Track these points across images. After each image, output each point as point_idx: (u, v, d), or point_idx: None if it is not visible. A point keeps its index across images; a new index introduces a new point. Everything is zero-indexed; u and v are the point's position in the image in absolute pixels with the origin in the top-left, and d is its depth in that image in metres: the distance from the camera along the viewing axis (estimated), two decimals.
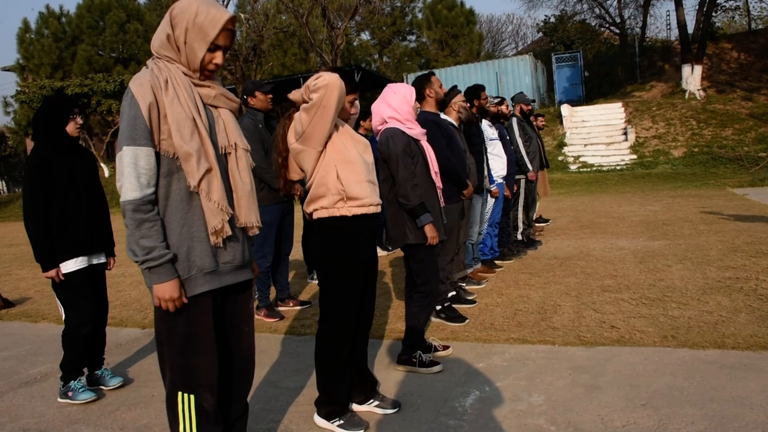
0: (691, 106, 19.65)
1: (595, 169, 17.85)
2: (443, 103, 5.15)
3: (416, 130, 3.71)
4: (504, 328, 4.35)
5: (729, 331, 3.89)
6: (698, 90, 20.41)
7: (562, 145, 19.49)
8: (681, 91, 20.80)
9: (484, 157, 5.83)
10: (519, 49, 41.42)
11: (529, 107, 7.78)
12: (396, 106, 3.71)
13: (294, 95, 2.90)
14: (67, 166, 3.58)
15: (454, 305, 4.88)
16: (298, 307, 5.43)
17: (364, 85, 27.41)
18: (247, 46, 24.29)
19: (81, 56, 30.77)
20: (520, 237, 7.54)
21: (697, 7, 21.85)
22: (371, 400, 3.16)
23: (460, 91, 5.37)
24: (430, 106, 4.69)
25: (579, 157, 18.69)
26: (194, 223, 2.19)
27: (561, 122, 20.46)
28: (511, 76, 23.55)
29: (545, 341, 4.00)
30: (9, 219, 24.77)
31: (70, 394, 3.65)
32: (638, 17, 29.21)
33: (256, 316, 5.17)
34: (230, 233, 2.24)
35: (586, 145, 19.30)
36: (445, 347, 3.94)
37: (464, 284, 5.57)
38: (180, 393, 2.25)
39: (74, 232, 3.58)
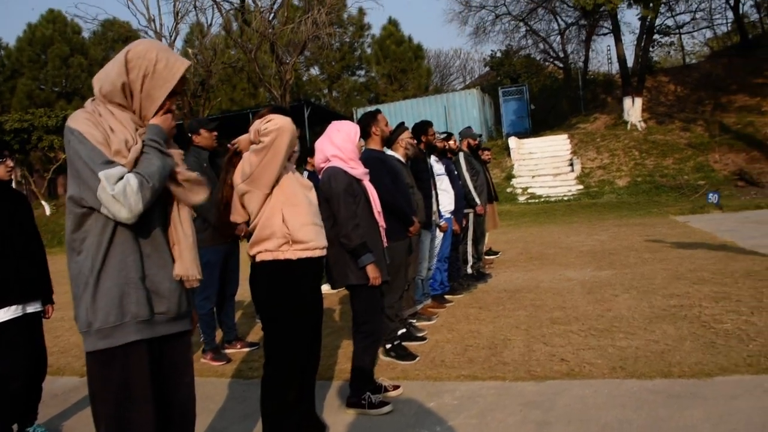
0: (633, 136, 20.32)
1: (543, 200, 18.21)
2: (390, 140, 5.17)
3: (359, 170, 3.69)
4: (455, 365, 4.31)
5: (675, 359, 3.94)
6: (639, 121, 21.15)
7: (510, 177, 19.83)
8: (623, 122, 21.51)
9: (433, 192, 5.85)
10: (467, 82, 42.34)
11: (476, 141, 7.88)
12: (339, 144, 3.69)
13: (242, 143, 2.85)
14: None
15: (404, 343, 4.82)
16: (246, 349, 5.27)
17: (314, 120, 27.51)
18: (195, 81, 24.09)
19: (21, 90, 30.07)
20: (470, 270, 7.55)
21: (635, 42, 22.79)
22: None
23: (407, 128, 5.39)
24: (375, 144, 4.68)
25: (527, 188, 19.05)
26: (132, 267, 2.10)
27: (509, 154, 20.86)
28: (459, 110, 23.96)
29: (496, 377, 3.97)
30: None
31: None
32: (581, 52, 30.37)
33: (202, 360, 5.02)
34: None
35: (533, 176, 19.70)
36: (395, 387, 3.86)
37: (414, 321, 5.52)
38: None
39: (4, 280, 3.39)
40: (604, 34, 27.76)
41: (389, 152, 5.28)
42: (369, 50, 34.90)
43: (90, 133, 2.03)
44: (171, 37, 22.55)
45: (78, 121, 2.06)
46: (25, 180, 29.44)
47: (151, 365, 2.17)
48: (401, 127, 5.35)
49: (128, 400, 2.11)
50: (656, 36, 23.88)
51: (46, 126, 25.37)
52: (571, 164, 19.58)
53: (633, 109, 21.19)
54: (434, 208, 5.91)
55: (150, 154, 2.09)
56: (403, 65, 33.07)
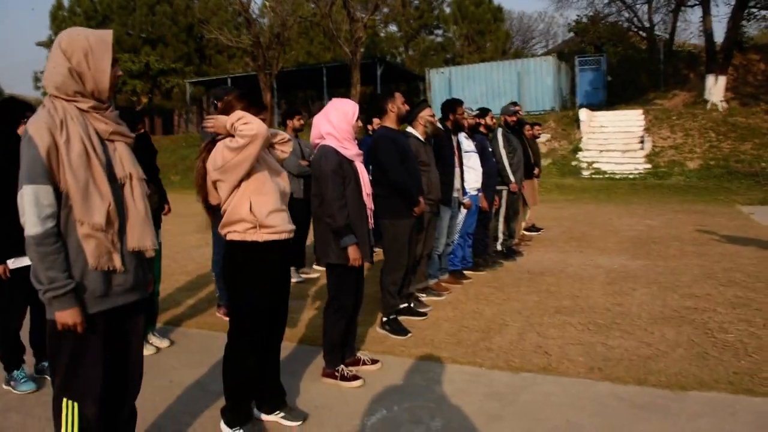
0: (711, 117, 19.26)
1: (607, 176, 17.65)
2: (409, 118, 5.21)
3: (351, 151, 3.75)
4: (441, 346, 4.40)
5: (657, 367, 3.89)
6: (721, 101, 19.98)
7: (576, 150, 19.27)
8: (703, 101, 20.40)
9: (456, 170, 5.86)
10: (550, 47, 40.97)
11: (514, 118, 7.76)
12: (335, 123, 3.76)
13: (218, 125, 2.96)
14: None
15: (405, 317, 4.94)
16: None
17: (387, 78, 27.42)
18: (272, 33, 24.40)
19: None
20: (499, 247, 7.56)
21: (729, 14, 21.27)
22: (278, 411, 3.27)
23: (429, 106, 5.41)
24: (390, 122, 4.76)
25: (593, 163, 18.48)
26: None
27: (578, 126, 20.20)
28: (533, 77, 23.31)
29: (474, 363, 4.05)
30: None
31: (12, 383, 3.84)
32: (670, 22, 28.69)
33: (216, 314, 5.35)
34: (118, 265, 2.37)
35: (601, 151, 19.05)
36: (374, 362, 4.01)
37: (424, 295, 5.63)
38: (65, 399, 2.39)
39: (16, 233, 3.70)
40: (696, 5, 25.99)
41: (409, 129, 5.33)
42: (448, 9, 34.23)
43: (40, 138, 2.23)
44: None
45: (33, 123, 2.26)
46: None
47: (105, 331, 2.41)
48: (422, 105, 5.37)
49: (80, 362, 2.37)
50: (753, 9, 22.25)
51: (131, 71, 26.50)
52: (642, 141, 18.82)
53: (715, 88, 20.00)
54: (457, 185, 5.93)
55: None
56: (481, 27, 32.26)
